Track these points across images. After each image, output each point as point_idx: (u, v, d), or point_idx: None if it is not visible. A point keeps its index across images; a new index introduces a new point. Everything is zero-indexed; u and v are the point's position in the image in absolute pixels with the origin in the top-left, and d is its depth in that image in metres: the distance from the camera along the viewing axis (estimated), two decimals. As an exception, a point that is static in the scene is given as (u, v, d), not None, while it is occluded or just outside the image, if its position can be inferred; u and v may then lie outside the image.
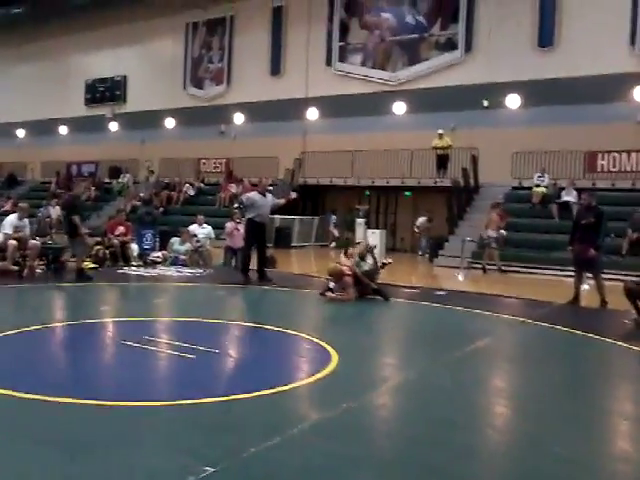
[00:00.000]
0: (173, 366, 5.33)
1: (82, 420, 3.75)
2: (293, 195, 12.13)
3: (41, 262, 11.26)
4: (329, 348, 5.75)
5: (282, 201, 11.45)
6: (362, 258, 9.25)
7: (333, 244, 21.34)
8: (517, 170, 18.38)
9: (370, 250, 9.51)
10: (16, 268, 10.35)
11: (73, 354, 5.84)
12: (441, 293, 10.35)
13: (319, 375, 4.89)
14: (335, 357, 5.42)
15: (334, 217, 21.95)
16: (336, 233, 21.72)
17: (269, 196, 11.01)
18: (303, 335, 6.43)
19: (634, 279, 8.30)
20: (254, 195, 10.80)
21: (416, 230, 19.57)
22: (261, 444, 3.35)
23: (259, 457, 3.21)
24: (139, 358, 5.42)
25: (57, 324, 6.96)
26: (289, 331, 6.60)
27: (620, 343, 6.64)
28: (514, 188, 18.12)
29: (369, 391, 4.56)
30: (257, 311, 8.84)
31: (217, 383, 4.75)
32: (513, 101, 19.56)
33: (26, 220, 11.15)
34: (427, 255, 17.27)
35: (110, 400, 4.05)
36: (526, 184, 17.73)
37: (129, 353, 5.60)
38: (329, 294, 8.97)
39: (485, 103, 19.72)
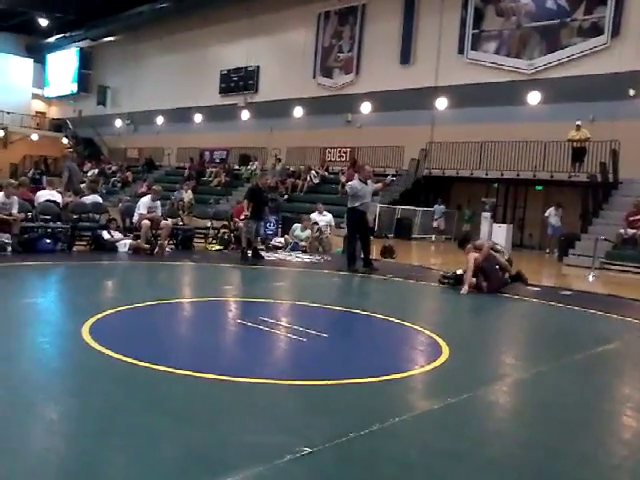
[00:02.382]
0: (285, 347, 5.41)
1: (199, 392, 3.90)
2: (389, 179, 12.11)
3: (171, 242, 11.93)
4: (441, 341, 5.58)
5: (379, 185, 11.39)
6: (496, 252, 9.05)
7: (433, 237, 20.59)
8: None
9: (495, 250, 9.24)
10: (148, 246, 11.02)
11: (194, 329, 6.11)
12: (567, 293, 9.74)
13: (428, 367, 4.77)
14: (446, 351, 5.26)
15: (441, 207, 21.21)
16: (442, 226, 21.02)
17: (370, 182, 10.71)
18: (415, 326, 6.29)
19: None
20: (356, 183, 10.52)
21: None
22: (361, 430, 3.31)
23: (356, 443, 3.17)
24: (254, 337, 5.55)
25: (181, 300, 7.31)
26: (400, 321, 6.49)
27: None
28: (659, 186, 16.69)
29: (478, 388, 4.35)
30: (370, 299, 8.79)
31: (325, 367, 4.75)
32: (662, 90, 17.97)
33: (158, 202, 11.82)
34: (555, 252, 16.35)
35: (225, 375, 4.17)
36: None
37: (245, 332, 5.78)
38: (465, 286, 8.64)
39: (632, 92, 18.26)
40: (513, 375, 4.90)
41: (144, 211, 11.43)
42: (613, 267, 13.85)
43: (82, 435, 3.14)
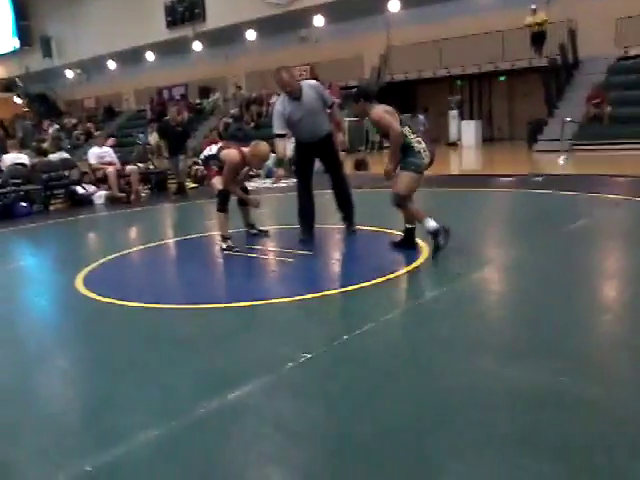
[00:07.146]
0: (273, 269, 5.60)
1: (200, 321, 4.14)
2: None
3: (145, 187, 11.94)
4: (421, 242, 5.80)
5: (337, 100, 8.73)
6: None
7: None
8: (622, 38, 16.88)
9: None
10: (123, 195, 11.06)
11: (184, 267, 6.20)
12: (538, 179, 9.99)
13: (410, 267, 5.00)
14: (426, 250, 5.49)
15: (422, 117, 19.97)
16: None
17: (309, 93, 6.11)
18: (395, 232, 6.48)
19: None
20: (281, 103, 6.14)
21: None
22: (354, 332, 3.56)
23: (350, 343, 3.42)
24: (243, 265, 5.75)
25: (167, 241, 7.43)
26: (383, 229, 6.69)
27: None
28: (619, 59, 16.73)
29: (459, 280, 4.61)
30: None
31: (315, 281, 4.95)
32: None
33: (109, 149, 11.81)
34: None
35: (221, 302, 4.43)
36: (633, 53, 16.33)
37: (234, 261, 5.92)
38: None
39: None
40: (494, 262, 5.17)
41: (94, 161, 11.43)
42: (582, 147, 14.10)
43: (99, 375, 3.34)
